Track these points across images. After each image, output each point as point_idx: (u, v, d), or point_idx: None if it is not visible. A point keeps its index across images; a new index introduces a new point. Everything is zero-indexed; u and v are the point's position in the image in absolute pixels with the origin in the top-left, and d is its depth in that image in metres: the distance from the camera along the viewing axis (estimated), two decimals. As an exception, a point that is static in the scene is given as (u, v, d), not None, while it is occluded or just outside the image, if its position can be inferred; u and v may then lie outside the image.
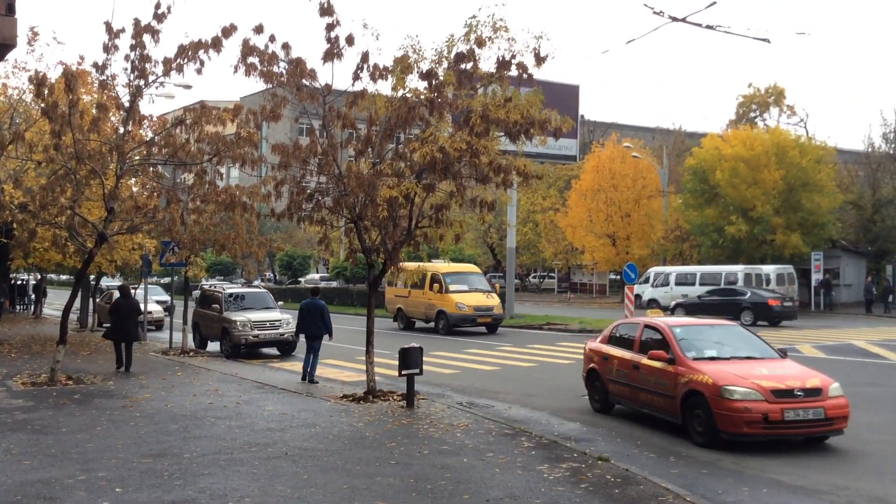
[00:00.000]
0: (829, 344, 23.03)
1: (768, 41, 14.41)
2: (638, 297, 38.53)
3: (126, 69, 15.53)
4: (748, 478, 8.89)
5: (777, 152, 39.54)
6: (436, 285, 27.86)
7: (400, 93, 12.93)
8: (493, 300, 28.22)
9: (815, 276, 39.25)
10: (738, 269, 36.04)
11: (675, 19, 13.97)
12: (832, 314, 37.87)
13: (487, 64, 12.77)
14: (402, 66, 12.65)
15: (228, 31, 14.36)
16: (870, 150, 47.67)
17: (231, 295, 23.05)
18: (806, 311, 38.72)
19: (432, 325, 28.55)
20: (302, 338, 17.12)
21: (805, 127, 55.95)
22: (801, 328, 29.41)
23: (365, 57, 12.87)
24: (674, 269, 39.24)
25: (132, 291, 20.28)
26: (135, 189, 19.39)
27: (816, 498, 8.17)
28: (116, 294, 19.50)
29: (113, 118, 16.64)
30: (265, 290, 25.55)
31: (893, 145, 45.28)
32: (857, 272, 43.68)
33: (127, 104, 15.92)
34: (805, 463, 9.59)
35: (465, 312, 27.11)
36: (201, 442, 10.15)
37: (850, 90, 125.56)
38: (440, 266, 28.89)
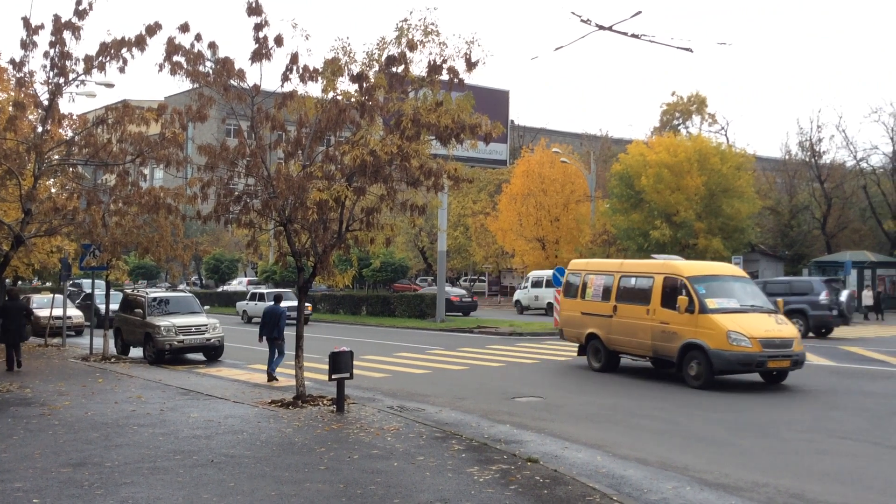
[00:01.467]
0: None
1: (691, 51, 14.79)
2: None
3: (45, 66, 15.09)
4: (672, 476, 9.09)
5: (699, 159, 40.76)
6: (681, 298, 16.02)
7: (330, 95, 12.84)
8: (789, 328, 16.24)
9: (736, 279, 40.52)
10: None
11: (601, 28, 14.22)
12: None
13: (419, 68, 12.79)
14: (333, 68, 12.57)
15: (153, 29, 14.05)
16: (787, 157, 49.58)
17: (154, 299, 22.46)
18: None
19: (648, 362, 17.91)
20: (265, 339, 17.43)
21: (726, 135, 57.83)
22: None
23: (294, 58, 12.74)
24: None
25: (22, 296, 20.03)
26: (53, 190, 18.80)
27: (737, 495, 8.40)
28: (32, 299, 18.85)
29: (31, 117, 16.10)
30: (191, 295, 25.00)
31: (809, 153, 47.14)
32: (775, 275, 45.31)
33: (46, 102, 15.43)
34: (727, 461, 9.87)
35: (744, 349, 15.22)
36: (123, 450, 9.86)
37: (768, 100, 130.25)
38: (681, 264, 17.48)
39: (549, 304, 40.28)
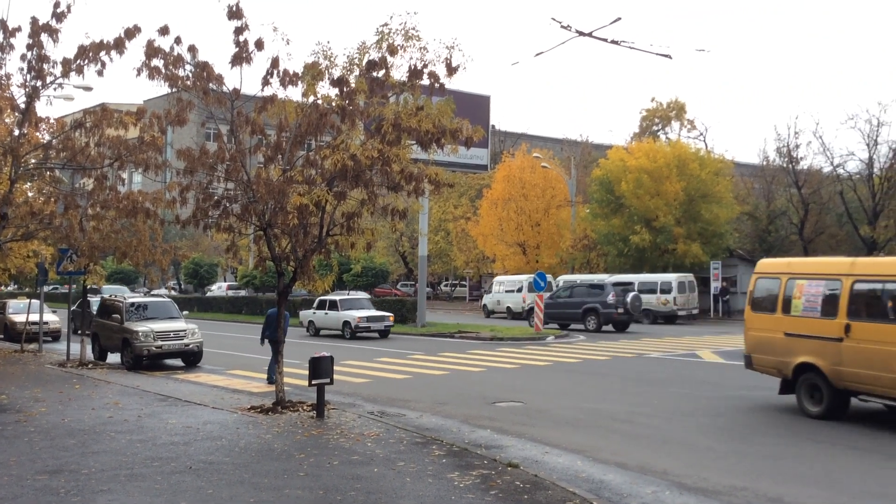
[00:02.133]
0: (728, 349, 23.95)
1: (670, 57, 14.91)
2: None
3: (22, 69, 14.95)
4: (651, 481, 9.13)
5: (678, 165, 41.10)
6: None
7: (311, 99, 12.80)
8: None
9: (714, 284, 40.89)
10: (672, 278, 37.70)
11: (581, 34, 14.30)
12: (730, 320, 39.46)
13: (399, 72, 12.79)
14: (313, 72, 12.53)
15: (132, 32, 13.95)
16: (765, 163, 50.02)
17: (132, 304, 22.26)
18: (706, 317, 40.29)
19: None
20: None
21: (704, 140, 58.37)
22: (701, 334, 30.53)
23: (275, 62, 12.69)
24: (612, 278, 40.16)
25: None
26: (30, 194, 18.62)
27: (716, 499, 8.45)
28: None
29: (7, 120, 15.93)
30: (169, 300, 24.81)
31: (787, 159, 47.60)
32: (753, 280, 45.72)
33: (23, 105, 15.27)
34: (707, 465, 9.93)
35: None
36: (101, 457, 9.76)
37: (746, 106, 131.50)
38: None
39: (508, 308, 42.84)
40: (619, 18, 14.20)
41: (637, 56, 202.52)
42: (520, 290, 42.88)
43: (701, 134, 66.36)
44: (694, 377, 18.08)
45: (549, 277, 35.83)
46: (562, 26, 13.92)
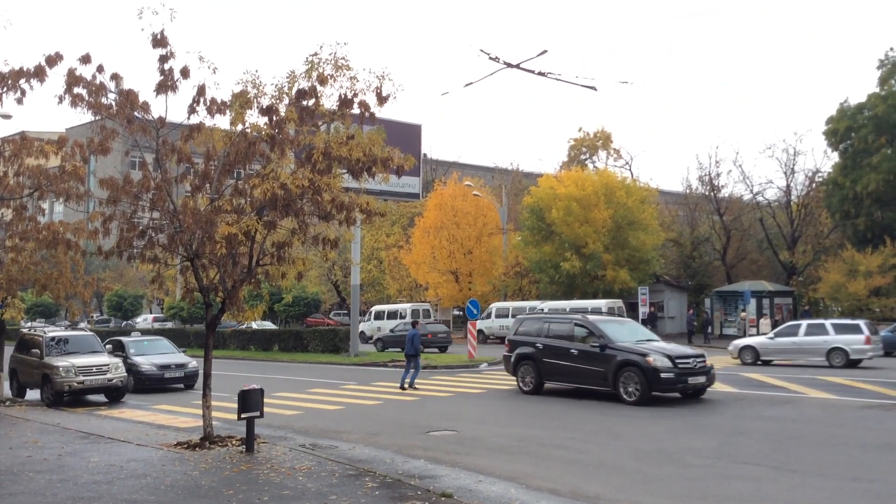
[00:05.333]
0: (656, 373, 24.34)
1: (595, 89, 15.31)
2: (481, 332, 39.97)
3: (-64, 97, 14.34)
4: (560, 496, 9.19)
5: (606, 193, 41.99)
6: None
7: (239, 128, 12.65)
8: None
9: (643, 310, 41.74)
10: (602, 303, 37.90)
11: (509, 65, 14.57)
12: (658, 345, 40.20)
13: (330, 101, 12.75)
14: (242, 100, 12.40)
15: (53, 59, 13.56)
16: (688, 191, 51.54)
17: (53, 339, 21.45)
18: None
19: None
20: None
21: (630, 169, 59.72)
22: (631, 359, 30.96)
23: (201, 90, 12.51)
24: (546, 305, 40.55)
25: None
26: (-56, 225, 17.80)
27: (647, 521, 8.54)
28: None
29: (-82, 148, 15.26)
30: (91, 334, 24.01)
31: (709, 187, 49.13)
32: (679, 305, 46.84)
33: (-65, 133, 14.65)
34: (637, 488, 10.05)
35: None
36: (18, 499, 9.34)
37: (669, 135, 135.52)
38: None
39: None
40: (546, 51, 14.53)
41: (564, 87, 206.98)
42: (403, 316, 45.34)
43: (627, 163, 67.96)
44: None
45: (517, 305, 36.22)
46: (490, 58, 14.16)
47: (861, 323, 26.51)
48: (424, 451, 12.62)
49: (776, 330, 29.17)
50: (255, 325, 41.47)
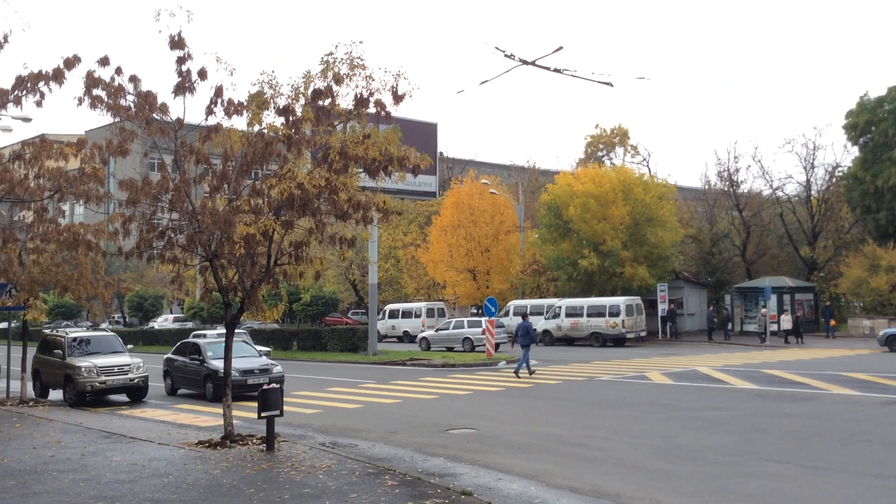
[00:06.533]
0: (675, 370, 24.28)
1: (611, 85, 15.23)
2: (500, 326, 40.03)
3: (-44, 101, 14.50)
4: (603, 503, 9.15)
5: (623, 189, 41.76)
6: None
7: (256, 128, 12.71)
8: None
9: (661, 307, 41.52)
10: (620, 301, 38.27)
11: (525, 62, 14.53)
12: (677, 342, 40.06)
13: (346, 101, 12.79)
14: (258, 101, 12.46)
15: (72, 62, 13.70)
16: (706, 187, 51.20)
17: (74, 339, 21.65)
18: (654, 339, 40.83)
19: None
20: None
21: (648, 165, 59.57)
22: (649, 356, 30.90)
23: (219, 91, 12.59)
24: (563, 302, 40.59)
25: None
26: (-35, 228, 18.02)
27: (668, 519, 8.50)
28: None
29: (-60, 152, 15.44)
30: (113, 334, 24.22)
31: (727, 183, 48.79)
32: (699, 302, 46.53)
33: (-43, 137, 14.83)
34: (658, 486, 10.00)
35: None
36: (42, 498, 9.42)
37: (687, 131, 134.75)
38: None
39: (406, 332, 46.13)
40: (561, 48, 14.47)
41: (580, 84, 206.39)
42: (418, 315, 46.30)
43: (644, 159, 67.70)
44: (644, 399, 18.26)
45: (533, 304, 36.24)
46: (505, 55, 14.13)
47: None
48: (444, 450, 12.63)
49: None
50: (255, 325, 41.72)
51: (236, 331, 25.57)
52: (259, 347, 25.70)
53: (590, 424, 14.91)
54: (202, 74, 12.61)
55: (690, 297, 46.35)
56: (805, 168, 47.33)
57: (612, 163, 63.11)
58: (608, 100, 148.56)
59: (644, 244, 41.21)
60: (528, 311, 34.42)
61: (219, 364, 19.11)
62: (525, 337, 24.11)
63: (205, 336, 26.89)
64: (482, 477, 10.56)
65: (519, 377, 23.19)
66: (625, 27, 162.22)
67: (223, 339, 21.32)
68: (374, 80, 12.62)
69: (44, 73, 14.11)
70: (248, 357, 21.32)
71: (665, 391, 19.76)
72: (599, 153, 68.81)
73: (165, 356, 23.05)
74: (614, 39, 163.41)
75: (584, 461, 11.61)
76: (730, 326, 40.95)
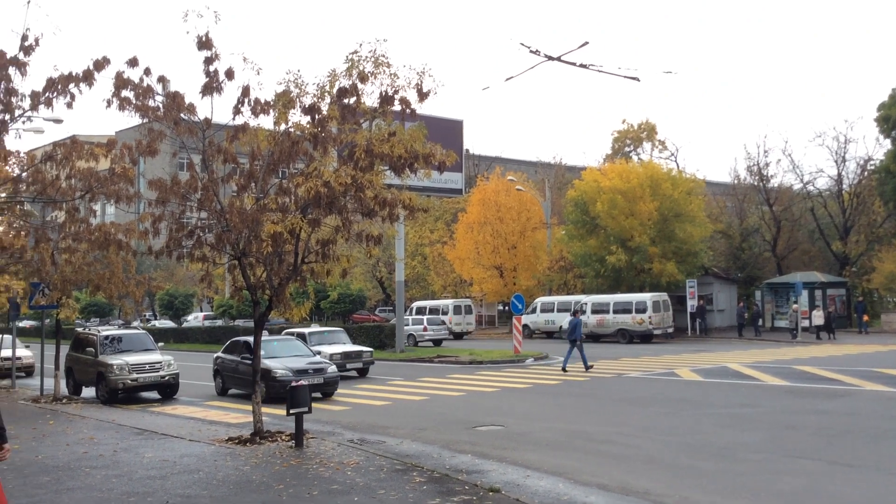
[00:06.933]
0: (705, 367, 24.07)
1: (637, 79, 15.09)
2: (526, 326, 39.93)
3: (-10, 103, 14.74)
4: (633, 501, 9.09)
5: (651, 185, 41.46)
6: None
7: (283, 127, 12.79)
8: None
9: (691, 303, 41.17)
10: (647, 297, 38.02)
11: (550, 58, 14.46)
12: (707, 338, 39.69)
13: (371, 99, 12.81)
14: (284, 100, 12.53)
15: (101, 64, 13.88)
16: (736, 181, 50.67)
17: (106, 337, 21.97)
18: (683, 335, 40.50)
19: None
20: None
21: (676, 160, 58.94)
22: (678, 352, 30.66)
23: (246, 91, 12.68)
24: (589, 299, 40.42)
25: None
26: (0, 228, 18.36)
27: (697, 516, 8.43)
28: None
29: (-25, 154, 15.70)
30: (144, 332, 24.54)
31: (757, 177, 48.24)
32: (728, 298, 46.07)
33: (-9, 139, 15.08)
34: (688, 484, 9.92)
35: None
36: (75, 494, 9.57)
37: (715, 126, 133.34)
38: None
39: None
40: (587, 43, 14.38)
41: (606, 79, 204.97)
42: (445, 312, 46.07)
43: (672, 154, 66.99)
44: (673, 396, 18.13)
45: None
46: (531, 51, 14.07)
47: None
48: (471, 446, 12.63)
49: None
50: (283, 322, 41.92)
51: (313, 329, 26.00)
52: None
53: (618, 421, 14.83)
54: (229, 74, 12.71)
55: (720, 293, 45.91)
56: (836, 162, 46.72)
57: (639, 158, 62.64)
58: (635, 95, 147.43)
59: (673, 240, 40.88)
60: (580, 308, 35.16)
61: (272, 363, 19.04)
62: (574, 332, 24.66)
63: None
64: (510, 474, 10.55)
65: (566, 371, 23.57)
66: (651, 21, 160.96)
67: (275, 338, 22.44)
68: (398, 77, 12.63)
69: (74, 74, 14.30)
70: (302, 356, 20.53)
71: (694, 388, 19.60)
72: (626, 148, 68.34)
73: (215, 355, 22.71)
74: (640, 34, 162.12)
75: (613, 458, 11.55)
76: (760, 322, 40.50)
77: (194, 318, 60.90)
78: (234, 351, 21.49)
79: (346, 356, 24.38)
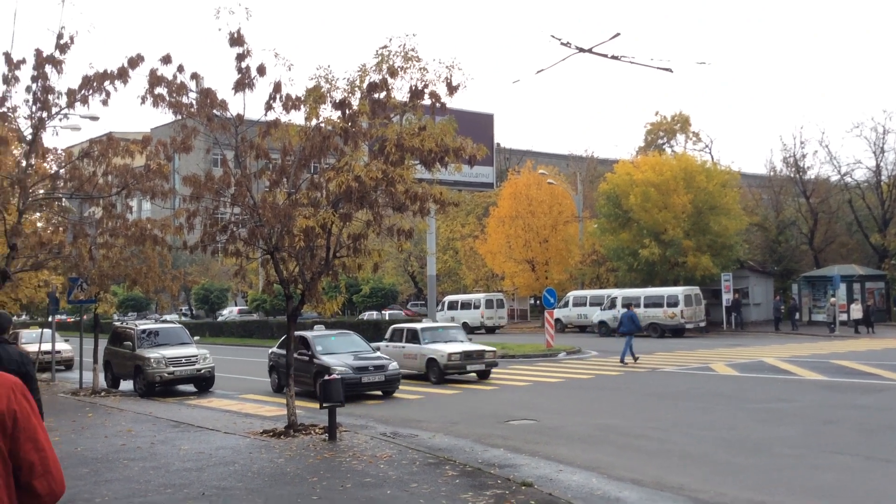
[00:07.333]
0: (741, 362, 23.78)
1: (671, 71, 14.90)
2: (558, 320, 39.80)
3: (28, 101, 15.01)
4: (668, 497, 9.02)
5: (685, 177, 40.99)
6: None
7: (314, 122, 12.86)
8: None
9: (726, 296, 40.66)
10: (679, 291, 37.80)
11: (581, 50, 14.33)
12: (743, 333, 39.21)
13: (400, 93, 12.84)
14: (315, 95, 12.59)
15: (135, 61, 14.05)
16: (772, 173, 49.88)
17: (144, 331, 22.31)
18: (718, 329, 40.04)
19: None
20: None
21: (710, 152, 58.20)
22: (714, 346, 30.33)
23: (277, 87, 12.76)
24: (620, 292, 40.20)
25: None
26: (39, 224, 18.71)
27: (732, 512, 8.33)
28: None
29: (14, 151, 16.02)
30: (180, 326, 24.86)
31: (794, 169, 47.46)
32: (765, 291, 45.43)
33: (29, 137, 15.35)
34: (724, 479, 9.82)
35: None
36: (113, 485, 9.73)
37: (750, 117, 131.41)
38: None
39: (465, 323, 44.58)
40: (619, 34, 14.23)
41: (638, 70, 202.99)
42: (477, 306, 46.08)
43: (706, 146, 65.93)
44: (708, 390, 17.94)
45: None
46: (561, 43, 13.95)
47: None
48: (504, 441, 12.62)
49: None
50: (315, 316, 42.14)
51: (426, 324, 24.81)
52: None
53: (652, 416, 14.72)
54: (261, 70, 12.79)
55: (756, 287, 45.28)
56: (874, 153, 45.77)
57: (672, 150, 61.98)
58: (668, 86, 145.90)
59: (707, 233, 40.38)
60: (636, 302, 35.85)
61: (330, 360, 18.19)
62: (630, 325, 24.67)
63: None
64: (542, 468, 10.52)
65: (625, 364, 23.64)
66: (684, 11, 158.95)
67: (332, 334, 21.01)
68: (428, 71, 12.63)
69: (109, 72, 14.49)
70: (362, 352, 19.20)
71: (730, 382, 19.37)
72: (660, 141, 67.67)
73: (270, 350, 21.41)
74: (673, 25, 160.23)
75: (647, 453, 11.46)
76: (797, 316, 39.88)
77: (229, 313, 61.62)
78: (298, 347, 19.00)
79: (467, 356, 20.75)
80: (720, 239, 40.64)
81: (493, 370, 21.95)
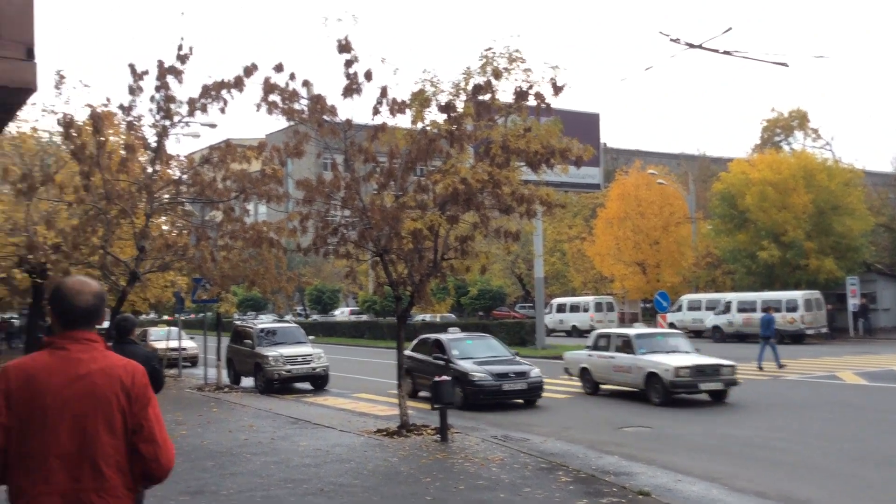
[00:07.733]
0: (870, 370, 22.45)
1: (786, 65, 14.23)
2: (672, 325, 38.66)
3: (152, 110, 15.72)
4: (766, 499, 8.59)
5: (805, 176, 39.15)
6: None
7: (419, 125, 12.93)
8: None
9: (852, 301, 38.45)
10: (798, 295, 36.02)
11: (691, 46, 13.87)
12: (871, 339, 37.00)
13: (505, 95, 12.76)
14: (421, 99, 12.65)
15: (250, 70, 14.51)
16: (899, 171, 46.96)
17: (263, 330, 23.14)
18: (844, 336, 37.93)
19: None
20: None
21: (831, 150, 55.35)
22: (840, 354, 28.77)
23: (384, 91, 12.89)
24: (735, 296, 38.82)
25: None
26: (165, 228, 19.56)
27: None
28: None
29: (141, 158, 16.83)
30: (296, 325, 25.62)
31: (924, 166, 44.55)
32: (894, 296, 42.74)
33: (154, 144, 16.10)
34: (853, 493, 9.26)
35: None
36: (238, 479, 10.05)
37: (873, 112, 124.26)
38: None
39: (574, 326, 45.51)
40: (730, 28, 13.75)
41: (752, 66, 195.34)
42: (586, 309, 45.47)
43: (827, 143, 62.60)
44: (835, 400, 17.01)
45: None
46: (671, 39, 13.57)
47: None
48: (618, 447, 12.32)
49: None
50: (427, 318, 42.43)
51: (638, 329, 24.65)
52: None
53: (775, 426, 14.05)
54: (368, 76, 12.96)
55: (885, 291, 42.63)
56: None
57: (790, 148, 59.25)
58: (784, 82, 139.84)
59: (830, 234, 38.36)
60: (752, 306, 35.12)
61: (468, 365, 17.14)
62: (767, 329, 23.89)
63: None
64: (659, 477, 10.20)
65: (761, 370, 22.92)
66: (799, 2, 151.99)
67: (469, 337, 20.21)
68: (532, 72, 12.52)
69: (226, 81, 15.02)
70: (501, 358, 18.10)
71: (859, 392, 18.31)
72: (776, 138, 64.78)
73: (405, 352, 18.04)
74: (787, 18, 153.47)
75: (770, 464, 10.95)
76: (930, 322, 37.37)
77: (341, 313, 63.01)
78: (425, 350, 18.84)
79: (699, 371, 16.67)
80: (844, 241, 38.54)
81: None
